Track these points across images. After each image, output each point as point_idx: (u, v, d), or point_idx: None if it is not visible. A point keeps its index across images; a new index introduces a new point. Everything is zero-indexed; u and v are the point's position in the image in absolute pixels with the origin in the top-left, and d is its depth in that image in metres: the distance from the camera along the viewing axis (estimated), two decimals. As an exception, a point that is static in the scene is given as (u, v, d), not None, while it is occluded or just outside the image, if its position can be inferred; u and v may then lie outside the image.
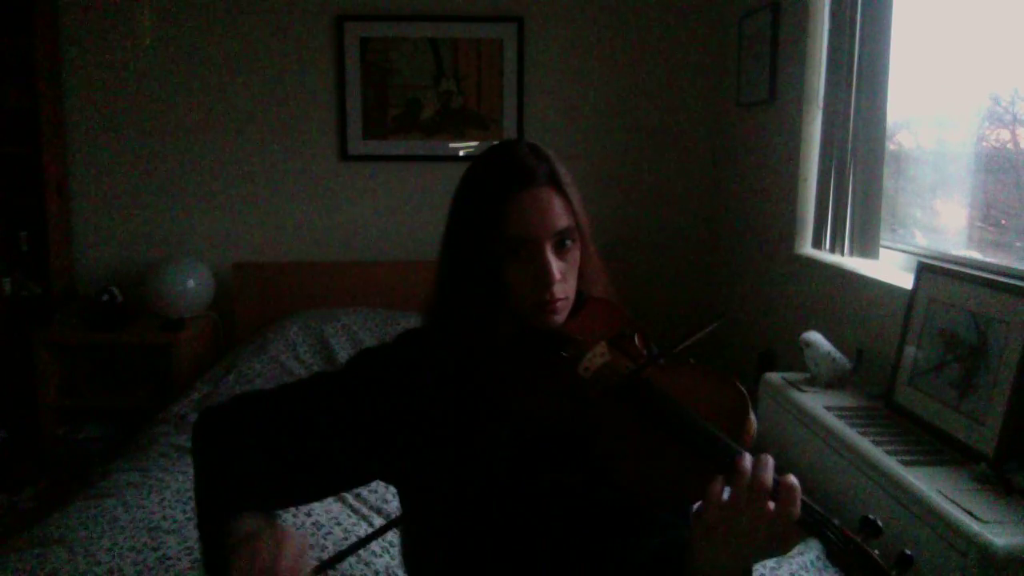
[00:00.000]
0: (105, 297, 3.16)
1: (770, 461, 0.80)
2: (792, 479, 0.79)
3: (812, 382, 2.12)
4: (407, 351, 1.09)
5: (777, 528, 0.78)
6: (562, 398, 0.95)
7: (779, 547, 0.80)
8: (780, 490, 0.79)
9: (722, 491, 0.80)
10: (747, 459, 0.80)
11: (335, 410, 1.03)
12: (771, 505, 0.78)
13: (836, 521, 0.79)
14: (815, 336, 2.13)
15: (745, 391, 0.91)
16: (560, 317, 1.00)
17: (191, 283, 3.19)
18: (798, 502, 0.78)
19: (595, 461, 0.90)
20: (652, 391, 0.92)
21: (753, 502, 0.78)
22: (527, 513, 0.97)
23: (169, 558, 1.62)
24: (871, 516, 0.79)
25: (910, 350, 1.88)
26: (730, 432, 0.85)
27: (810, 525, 0.79)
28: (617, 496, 0.93)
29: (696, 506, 0.84)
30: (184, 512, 1.82)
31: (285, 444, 1.01)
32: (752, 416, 0.88)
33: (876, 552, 0.77)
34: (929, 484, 1.48)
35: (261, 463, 0.99)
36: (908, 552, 0.76)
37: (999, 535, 1.29)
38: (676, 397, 0.90)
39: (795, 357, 2.25)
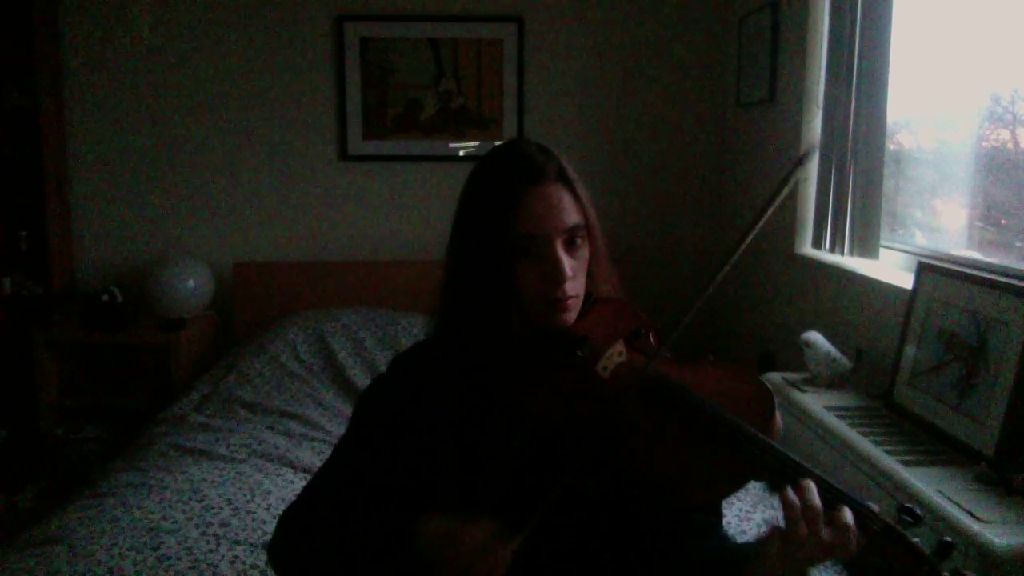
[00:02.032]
0: (105, 297, 3.16)
1: (813, 487, 0.80)
2: (846, 516, 0.79)
3: (812, 382, 2.12)
4: (404, 377, 1.08)
5: (832, 553, 0.79)
6: (580, 399, 0.94)
7: (832, 557, 0.81)
8: (836, 529, 0.78)
9: (799, 502, 0.80)
10: (790, 493, 0.80)
11: (370, 477, 1.02)
12: (825, 535, 0.78)
13: (876, 508, 0.79)
14: (815, 336, 2.13)
15: (770, 388, 0.90)
16: (571, 316, 0.99)
17: (191, 283, 3.19)
18: (854, 540, 0.78)
19: (618, 462, 0.89)
20: (677, 388, 0.90)
21: (811, 531, 0.78)
22: (552, 517, 0.96)
23: (169, 558, 1.62)
24: (909, 504, 0.78)
25: (910, 350, 1.88)
26: (757, 429, 0.85)
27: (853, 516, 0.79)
28: (650, 500, 0.92)
29: (773, 524, 0.83)
30: (184, 512, 1.82)
31: (351, 538, 1.00)
32: (778, 414, 0.88)
33: (917, 540, 0.76)
34: (929, 484, 1.48)
35: (345, 564, 1.00)
36: (948, 539, 0.75)
37: (999, 535, 1.29)
38: (701, 394, 0.89)
39: (795, 357, 2.25)
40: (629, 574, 0.97)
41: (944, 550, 0.75)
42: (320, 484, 1.09)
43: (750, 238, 0.92)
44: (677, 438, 0.87)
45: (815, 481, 0.80)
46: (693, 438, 0.86)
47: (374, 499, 1.03)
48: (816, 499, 0.78)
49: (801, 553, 0.78)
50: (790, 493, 0.79)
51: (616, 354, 0.97)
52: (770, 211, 0.92)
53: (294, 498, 1.11)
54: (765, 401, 0.88)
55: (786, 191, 0.93)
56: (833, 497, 0.80)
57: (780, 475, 0.81)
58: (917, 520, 0.77)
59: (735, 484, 0.85)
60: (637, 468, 0.88)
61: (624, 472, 0.89)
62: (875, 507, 0.79)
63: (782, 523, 0.80)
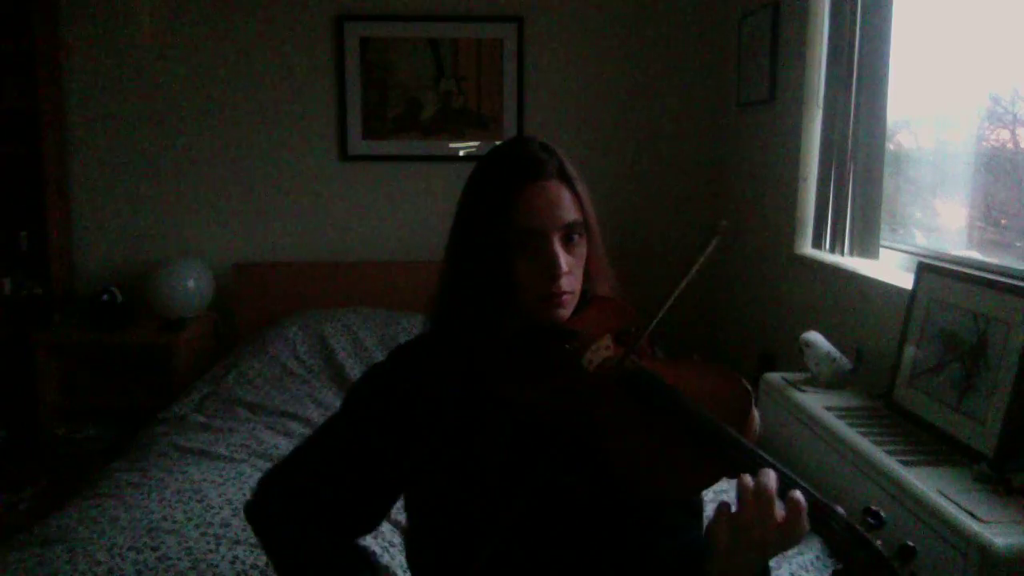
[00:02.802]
0: (105, 297, 3.16)
1: (771, 473, 0.80)
2: (798, 495, 0.79)
3: (812, 382, 2.12)
4: (402, 367, 1.10)
5: (787, 535, 0.79)
6: (565, 391, 0.95)
7: (791, 545, 0.81)
8: (787, 505, 0.78)
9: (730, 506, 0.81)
10: (747, 477, 0.80)
11: (352, 458, 1.06)
12: (779, 514, 0.78)
13: (840, 509, 0.79)
14: (815, 336, 2.13)
15: (749, 387, 0.91)
16: (565, 312, 1.00)
17: (191, 283, 3.19)
18: (805, 518, 0.78)
19: (597, 455, 0.90)
20: (656, 384, 0.91)
21: (761, 513, 0.78)
22: (532, 512, 0.97)
23: (169, 558, 1.62)
24: (873, 507, 0.79)
25: (910, 350, 1.88)
26: (733, 427, 0.85)
27: (813, 515, 0.79)
28: (625, 495, 0.93)
29: (708, 523, 0.84)
30: (184, 512, 1.82)
31: (326, 508, 1.07)
32: (755, 412, 0.88)
33: (879, 542, 0.76)
34: (929, 484, 1.48)
35: (314, 531, 1.07)
36: (910, 544, 0.76)
37: (999, 535, 1.29)
38: (680, 390, 0.90)
39: (795, 357, 2.25)
40: (603, 572, 0.97)
41: (906, 554, 0.75)
42: (304, 456, 1.13)
43: (672, 299, 0.95)
44: (654, 433, 0.88)
45: (781, 476, 0.81)
46: (669, 434, 0.87)
47: (350, 481, 1.06)
48: (771, 482, 0.79)
49: (753, 535, 0.79)
50: (747, 477, 0.80)
51: (603, 348, 0.98)
52: (686, 280, 0.95)
53: (277, 467, 1.16)
54: (742, 400, 0.89)
55: (703, 260, 0.97)
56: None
57: (751, 473, 0.82)
58: (880, 523, 0.78)
59: (706, 481, 0.86)
60: (614, 461, 0.88)
61: (603, 466, 0.89)
62: (840, 509, 0.79)
63: (735, 505, 0.81)
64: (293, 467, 1.13)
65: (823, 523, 0.79)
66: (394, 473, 1.05)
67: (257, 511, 1.13)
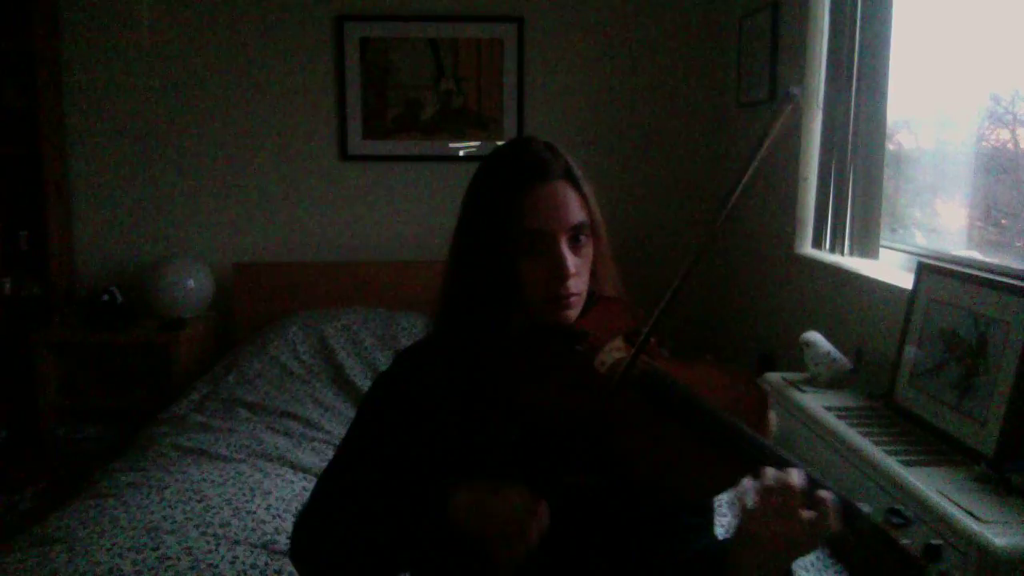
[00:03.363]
0: (105, 297, 3.16)
1: (794, 471, 0.80)
2: (825, 492, 0.78)
3: (812, 382, 2.12)
4: (408, 372, 1.08)
5: (815, 533, 0.78)
6: (577, 393, 0.94)
7: (817, 545, 0.80)
8: (815, 502, 0.78)
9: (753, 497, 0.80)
10: (770, 470, 0.80)
11: (376, 474, 1.03)
12: (805, 515, 0.77)
13: (866, 508, 0.78)
14: (815, 336, 2.13)
15: (765, 388, 0.90)
16: (572, 313, 1.00)
17: (191, 283, 3.19)
18: (833, 515, 0.77)
19: (612, 459, 0.89)
20: (672, 385, 0.90)
21: (783, 504, 0.77)
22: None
23: (169, 558, 1.62)
24: (898, 507, 0.78)
25: (910, 350, 1.88)
26: (750, 428, 0.85)
27: (838, 515, 0.78)
28: (641, 497, 0.92)
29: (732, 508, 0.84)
30: (184, 512, 1.82)
31: (360, 533, 1.01)
32: (771, 413, 0.88)
33: (907, 542, 0.75)
34: (929, 484, 1.48)
35: (356, 559, 1.01)
36: (935, 542, 0.75)
37: (999, 535, 1.29)
38: (696, 391, 0.89)
39: (795, 357, 2.25)
40: (617, 574, 0.97)
41: (932, 553, 0.75)
42: (329, 482, 1.09)
43: (746, 179, 0.91)
44: (671, 434, 0.87)
45: (807, 474, 0.80)
46: (687, 435, 0.86)
47: (382, 491, 1.03)
48: (795, 479, 0.78)
49: (775, 528, 0.78)
50: (769, 468, 0.79)
51: (615, 349, 0.97)
52: (756, 161, 0.90)
53: (306, 501, 1.11)
54: (759, 400, 0.88)
55: (774, 132, 0.91)
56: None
57: None
58: (907, 522, 0.77)
59: (728, 481, 0.85)
60: (631, 464, 0.88)
61: (619, 468, 0.89)
62: (866, 508, 0.78)
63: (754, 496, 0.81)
64: (321, 500, 1.09)
65: (848, 523, 0.78)
66: (417, 476, 1.04)
67: (301, 556, 1.08)
